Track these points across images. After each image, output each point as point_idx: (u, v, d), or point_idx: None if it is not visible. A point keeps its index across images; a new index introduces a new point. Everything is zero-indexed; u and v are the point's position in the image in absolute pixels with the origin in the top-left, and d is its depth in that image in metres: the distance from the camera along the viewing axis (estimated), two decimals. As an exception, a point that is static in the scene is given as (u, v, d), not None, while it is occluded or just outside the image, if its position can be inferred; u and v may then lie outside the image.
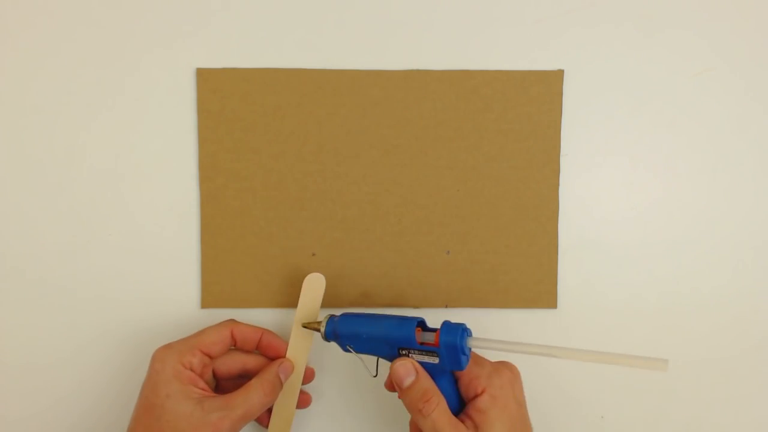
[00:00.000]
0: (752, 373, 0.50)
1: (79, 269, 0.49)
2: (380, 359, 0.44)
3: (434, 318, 0.49)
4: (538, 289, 0.49)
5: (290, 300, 0.49)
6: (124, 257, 0.49)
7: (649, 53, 0.49)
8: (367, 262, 0.49)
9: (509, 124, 0.49)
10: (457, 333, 0.40)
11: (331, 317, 0.44)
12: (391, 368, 0.42)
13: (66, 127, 0.49)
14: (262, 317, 0.49)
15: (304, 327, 0.45)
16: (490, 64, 0.49)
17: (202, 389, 0.42)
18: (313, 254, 0.49)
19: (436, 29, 0.49)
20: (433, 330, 0.41)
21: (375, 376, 0.45)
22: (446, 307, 0.49)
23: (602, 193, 0.50)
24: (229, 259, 0.49)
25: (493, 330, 0.50)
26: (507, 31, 0.49)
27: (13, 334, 0.49)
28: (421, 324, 0.42)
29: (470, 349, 0.41)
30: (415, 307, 0.49)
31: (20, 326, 0.49)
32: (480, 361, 0.43)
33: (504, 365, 0.42)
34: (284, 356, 0.46)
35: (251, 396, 0.42)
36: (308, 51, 0.49)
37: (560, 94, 0.48)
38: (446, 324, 0.41)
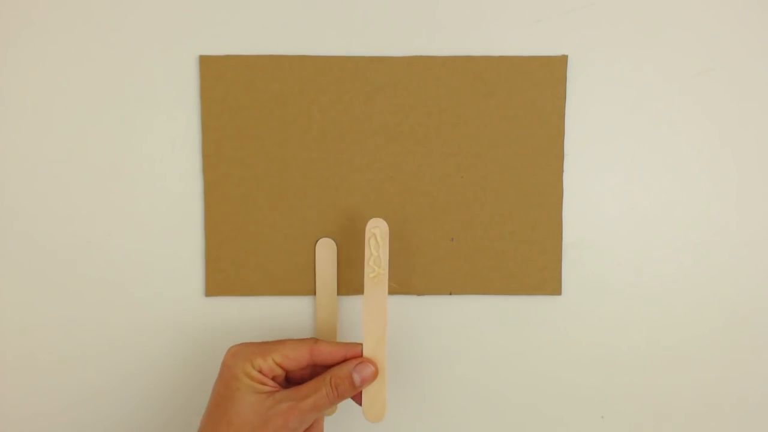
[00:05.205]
0: (752, 374, 0.50)
1: (83, 258, 0.49)
2: None
3: (438, 305, 0.49)
4: (542, 275, 0.49)
5: (295, 287, 0.49)
6: (128, 246, 0.49)
7: (649, 53, 0.49)
8: (371, 250, 0.49)
9: (513, 110, 0.49)
10: None
11: None
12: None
13: (70, 117, 0.49)
14: (266, 305, 0.49)
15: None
16: (493, 51, 0.49)
17: (272, 387, 0.42)
18: (317, 241, 0.49)
19: (439, 16, 0.49)
20: None
21: None
22: (450, 294, 0.49)
23: (603, 193, 0.49)
24: (233, 246, 0.49)
25: (496, 318, 0.50)
26: (508, 27, 0.49)
27: (16, 329, 0.49)
28: None
29: None
30: (419, 294, 0.49)
31: (23, 320, 0.49)
32: None
33: None
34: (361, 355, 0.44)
35: (321, 390, 0.42)
36: (311, 38, 0.48)
37: (564, 79, 0.48)
38: None
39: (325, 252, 0.49)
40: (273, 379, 0.42)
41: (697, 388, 0.50)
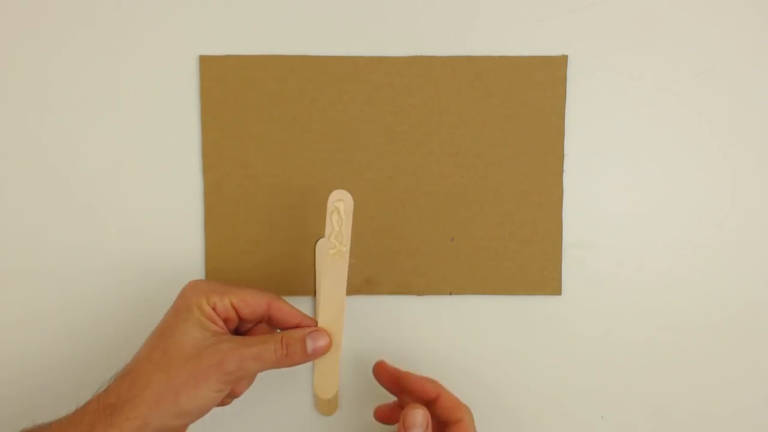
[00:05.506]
0: (753, 373, 0.50)
1: (82, 260, 0.49)
2: None
3: (438, 305, 0.49)
4: (542, 275, 0.49)
5: (295, 288, 0.49)
6: (128, 246, 0.49)
7: (649, 53, 0.49)
8: (371, 250, 0.49)
9: (513, 110, 0.49)
10: None
11: None
12: (407, 413, 0.41)
13: (70, 116, 0.49)
14: (266, 305, 0.49)
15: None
16: (494, 51, 0.49)
17: (220, 328, 0.41)
18: (317, 241, 0.49)
19: (439, 15, 0.49)
20: None
21: None
22: (450, 294, 0.49)
23: (603, 194, 0.49)
24: (233, 246, 0.49)
25: (496, 318, 0.50)
26: (508, 27, 0.49)
27: (16, 333, 0.49)
28: None
29: None
30: (419, 294, 0.49)
31: (22, 321, 0.49)
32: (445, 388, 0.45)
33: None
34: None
35: (269, 344, 0.40)
36: (311, 38, 0.48)
37: (564, 79, 0.48)
38: None
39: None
40: (225, 321, 0.41)
41: (697, 387, 0.50)
